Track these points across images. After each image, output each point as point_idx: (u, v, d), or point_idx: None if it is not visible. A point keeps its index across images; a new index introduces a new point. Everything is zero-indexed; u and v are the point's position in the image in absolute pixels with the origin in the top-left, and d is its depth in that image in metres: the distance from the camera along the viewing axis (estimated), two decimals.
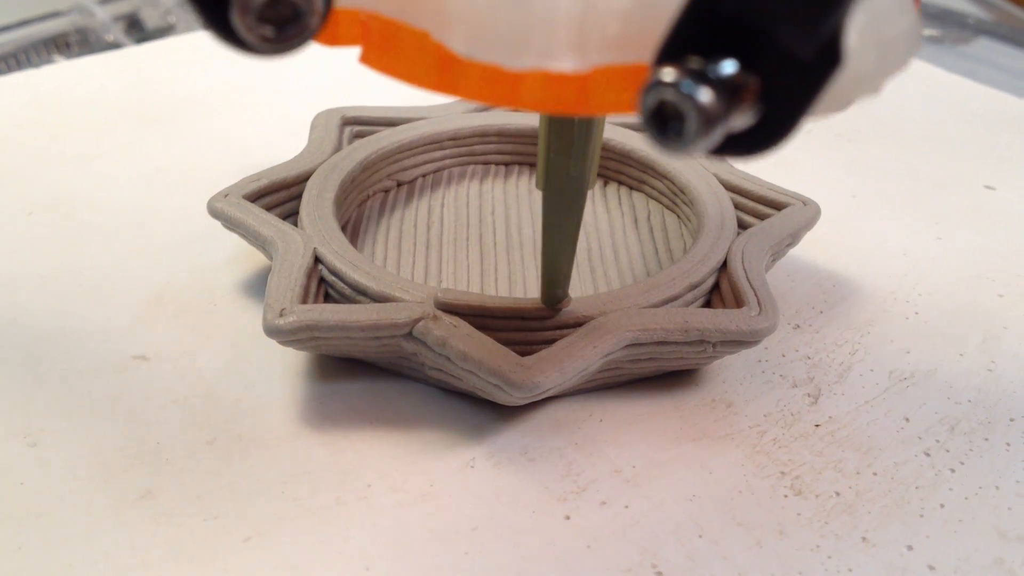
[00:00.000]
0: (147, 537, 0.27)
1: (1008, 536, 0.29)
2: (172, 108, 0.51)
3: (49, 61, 0.66)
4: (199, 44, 0.59)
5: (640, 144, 0.41)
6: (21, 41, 0.69)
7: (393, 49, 0.22)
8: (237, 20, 0.17)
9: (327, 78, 0.55)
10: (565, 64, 0.20)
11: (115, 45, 0.68)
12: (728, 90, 0.17)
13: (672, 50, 0.18)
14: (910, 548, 0.28)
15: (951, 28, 0.72)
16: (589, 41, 0.20)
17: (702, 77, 0.17)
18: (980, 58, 0.68)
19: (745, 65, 0.17)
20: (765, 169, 0.45)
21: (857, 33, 0.18)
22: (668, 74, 0.17)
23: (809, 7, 0.17)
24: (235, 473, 0.30)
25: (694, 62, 0.17)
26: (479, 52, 0.20)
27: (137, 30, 0.74)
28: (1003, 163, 0.48)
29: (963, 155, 0.50)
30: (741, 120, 0.18)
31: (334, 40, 0.20)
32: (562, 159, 0.29)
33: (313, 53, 0.53)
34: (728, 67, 0.17)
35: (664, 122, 0.17)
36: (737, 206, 0.38)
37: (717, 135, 0.17)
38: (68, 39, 0.69)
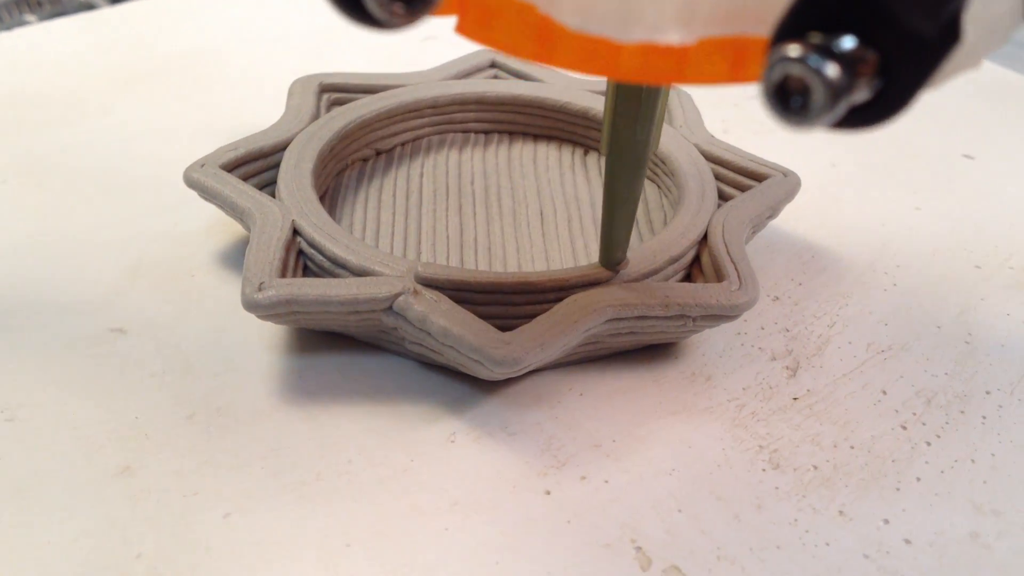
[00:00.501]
0: (126, 514, 0.27)
1: (983, 509, 0.29)
2: (146, 72, 0.50)
3: (21, 22, 0.65)
4: (172, 6, 0.58)
5: None
6: None
7: (493, 20, 0.23)
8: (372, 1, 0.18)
9: (302, 43, 0.54)
10: (672, 37, 0.21)
11: (88, 6, 0.67)
12: (850, 65, 0.18)
13: (793, 27, 0.18)
14: (886, 522, 0.28)
15: None
16: (696, 15, 0.21)
17: (827, 52, 0.17)
18: None
19: (864, 41, 0.18)
20: (744, 137, 0.45)
21: (971, 10, 0.19)
22: (794, 50, 0.17)
23: None
24: (214, 448, 0.29)
25: (816, 38, 0.18)
26: (590, 25, 0.21)
27: None
28: (982, 132, 0.48)
29: (942, 123, 0.49)
30: (860, 95, 0.18)
31: (436, 10, 0.20)
32: (628, 124, 0.29)
33: (289, 17, 0.53)
34: (848, 42, 0.18)
35: (786, 97, 0.18)
36: (717, 177, 0.38)
37: (841, 108, 0.18)
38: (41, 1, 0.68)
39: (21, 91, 0.48)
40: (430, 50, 0.54)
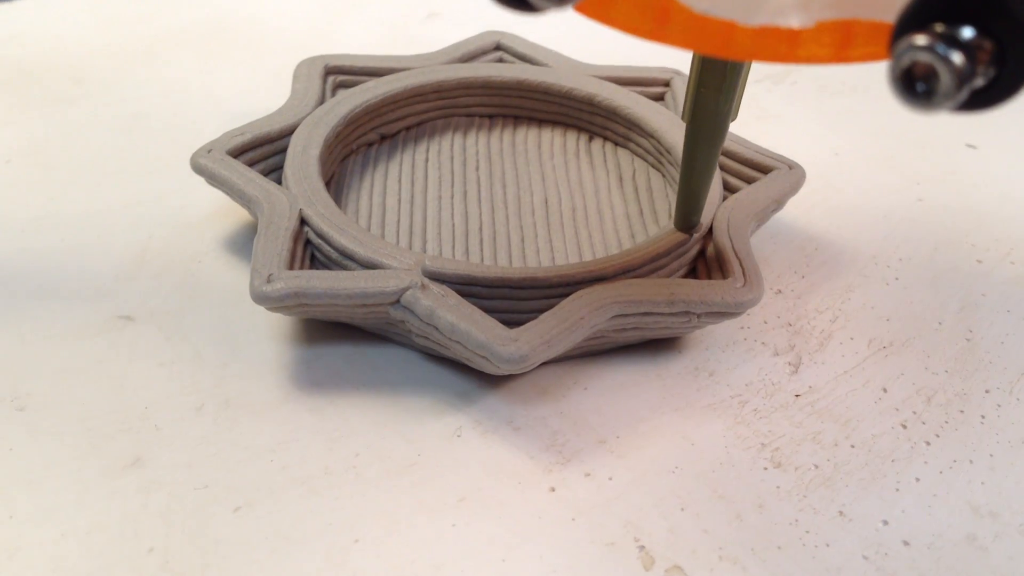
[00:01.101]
0: (138, 507, 0.28)
1: (980, 511, 0.29)
2: (148, 49, 0.50)
3: None
4: None
5: (626, 102, 0.41)
6: None
7: (615, 2, 0.24)
8: None
9: (307, 16, 0.54)
10: (793, 21, 0.23)
11: None
12: (971, 52, 0.19)
13: (918, 17, 0.20)
14: (885, 523, 0.29)
15: None
16: (815, 1, 0.23)
17: (953, 41, 0.19)
18: None
19: (981, 31, 0.20)
20: (748, 123, 0.45)
21: None
22: (922, 39, 0.19)
23: None
24: (224, 441, 0.30)
25: (940, 28, 0.19)
26: (717, 10, 0.23)
27: None
28: (985, 121, 0.48)
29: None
30: (979, 80, 0.20)
31: None
32: (711, 94, 0.31)
33: (287, 4, 0.52)
34: (967, 32, 0.19)
35: (912, 82, 0.20)
36: (723, 167, 0.38)
37: (964, 93, 0.20)
38: None
39: (25, 66, 0.48)
40: (433, 27, 0.54)
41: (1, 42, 0.49)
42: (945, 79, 0.19)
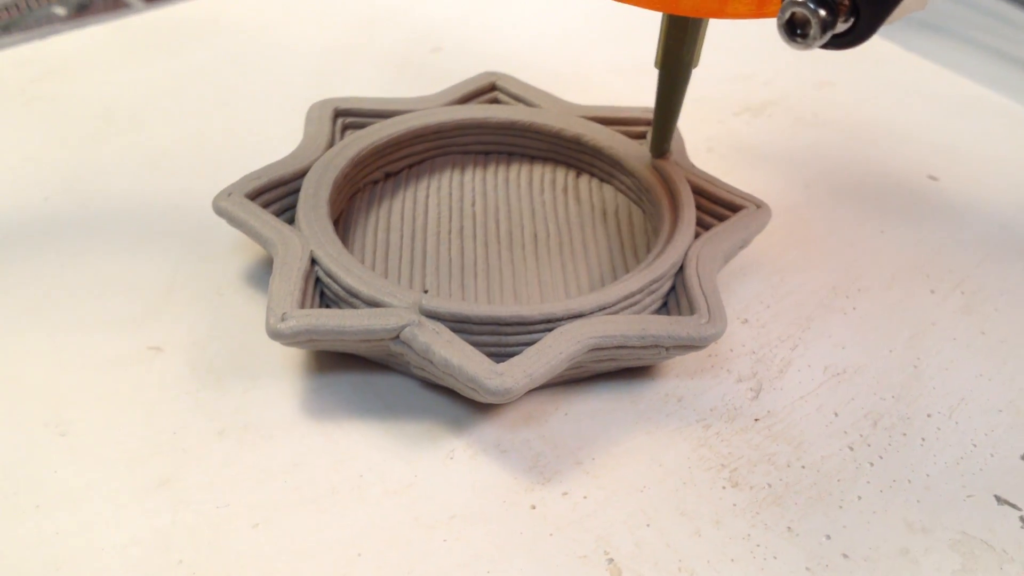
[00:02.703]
0: (167, 523, 0.32)
1: (914, 527, 0.33)
2: (172, 86, 0.54)
3: (50, 14, 0.68)
4: (195, 15, 0.61)
5: (610, 142, 0.45)
6: None
7: None
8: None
9: (319, 53, 0.58)
10: None
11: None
12: (833, 7, 0.29)
13: None
14: (828, 537, 0.33)
15: None
16: None
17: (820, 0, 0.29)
18: None
19: None
20: (728, 154, 0.49)
21: None
22: None
23: None
24: (243, 463, 0.34)
25: None
26: None
27: None
28: (948, 152, 0.52)
29: (912, 142, 0.53)
30: (841, 26, 0.30)
31: None
32: (677, 46, 0.40)
33: (305, 31, 0.56)
34: None
35: (793, 28, 0.30)
36: (696, 205, 0.42)
37: (828, 36, 0.29)
38: None
39: (58, 102, 0.52)
40: (437, 60, 0.57)
41: (36, 79, 0.53)
42: (814, 27, 0.29)
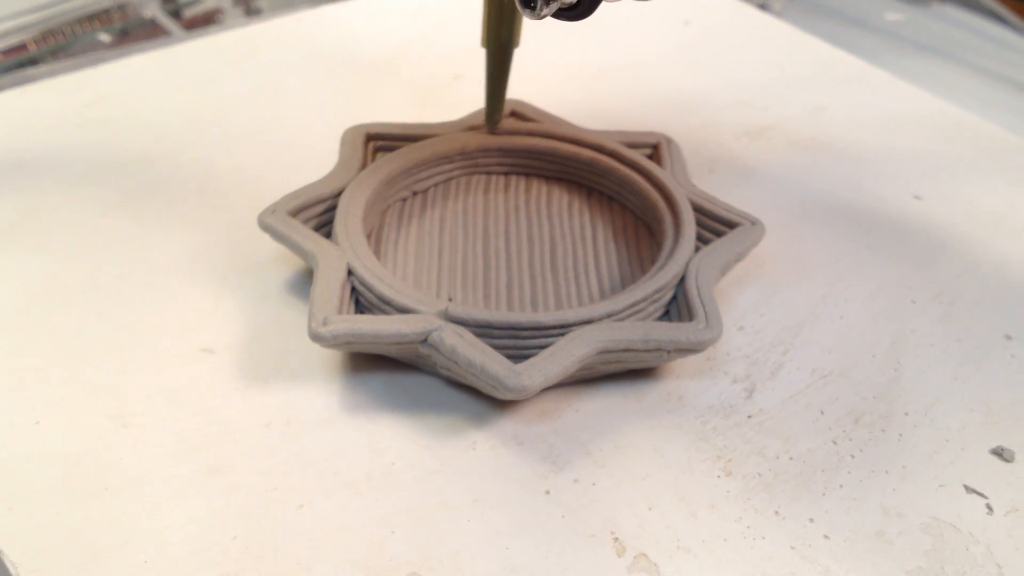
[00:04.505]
0: (222, 504, 0.36)
1: (889, 512, 0.37)
2: (216, 109, 0.58)
3: (95, 41, 0.73)
4: (233, 44, 0.66)
5: (619, 165, 0.49)
6: (66, 16, 0.75)
7: None
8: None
9: (350, 82, 0.62)
10: None
11: (153, 22, 0.74)
12: None
13: None
14: (811, 520, 0.36)
15: None
16: None
17: None
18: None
19: None
20: (728, 176, 0.53)
21: None
22: None
23: None
24: (288, 452, 0.38)
25: None
26: None
27: (171, 1, 0.80)
28: (931, 173, 0.55)
29: (899, 163, 0.57)
30: (568, 2, 0.35)
31: None
32: (495, 27, 0.46)
33: (338, 57, 0.60)
34: None
35: (527, 2, 0.35)
36: (697, 223, 0.46)
37: (555, 7, 0.35)
38: (111, 16, 0.76)
39: (111, 127, 0.56)
40: (459, 86, 0.61)
41: (89, 104, 0.58)
42: (540, 1, 0.35)
